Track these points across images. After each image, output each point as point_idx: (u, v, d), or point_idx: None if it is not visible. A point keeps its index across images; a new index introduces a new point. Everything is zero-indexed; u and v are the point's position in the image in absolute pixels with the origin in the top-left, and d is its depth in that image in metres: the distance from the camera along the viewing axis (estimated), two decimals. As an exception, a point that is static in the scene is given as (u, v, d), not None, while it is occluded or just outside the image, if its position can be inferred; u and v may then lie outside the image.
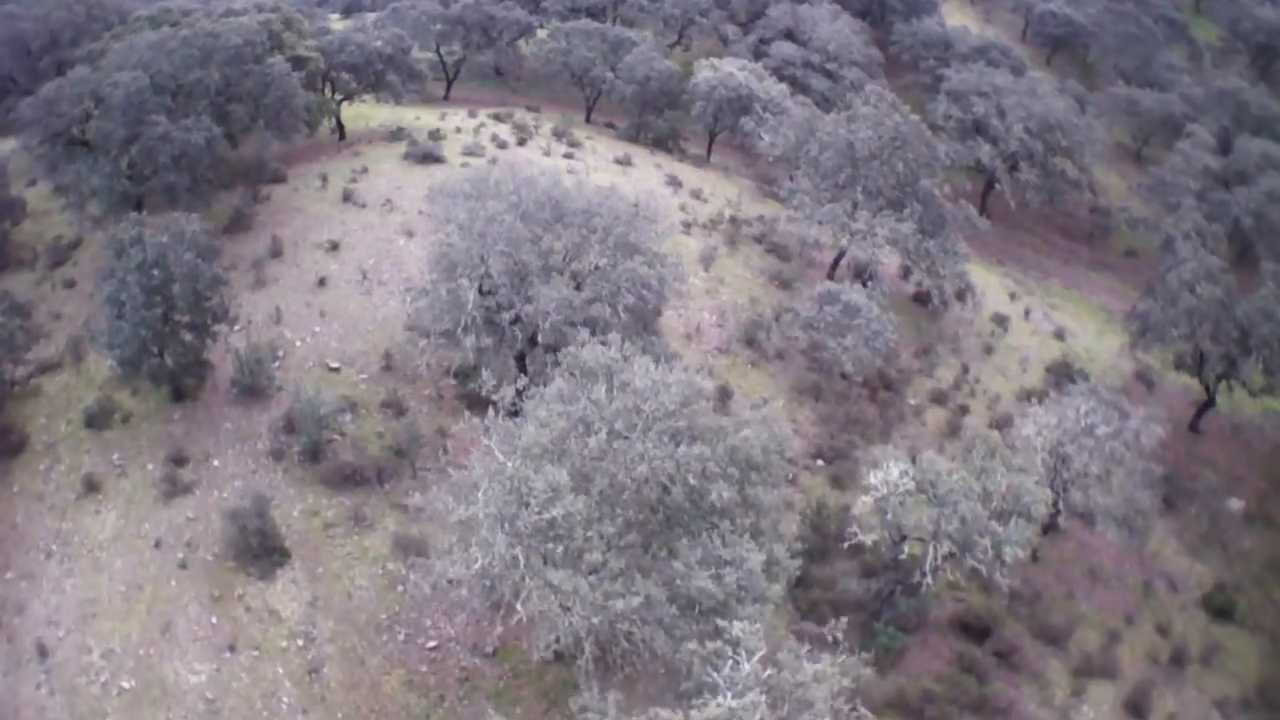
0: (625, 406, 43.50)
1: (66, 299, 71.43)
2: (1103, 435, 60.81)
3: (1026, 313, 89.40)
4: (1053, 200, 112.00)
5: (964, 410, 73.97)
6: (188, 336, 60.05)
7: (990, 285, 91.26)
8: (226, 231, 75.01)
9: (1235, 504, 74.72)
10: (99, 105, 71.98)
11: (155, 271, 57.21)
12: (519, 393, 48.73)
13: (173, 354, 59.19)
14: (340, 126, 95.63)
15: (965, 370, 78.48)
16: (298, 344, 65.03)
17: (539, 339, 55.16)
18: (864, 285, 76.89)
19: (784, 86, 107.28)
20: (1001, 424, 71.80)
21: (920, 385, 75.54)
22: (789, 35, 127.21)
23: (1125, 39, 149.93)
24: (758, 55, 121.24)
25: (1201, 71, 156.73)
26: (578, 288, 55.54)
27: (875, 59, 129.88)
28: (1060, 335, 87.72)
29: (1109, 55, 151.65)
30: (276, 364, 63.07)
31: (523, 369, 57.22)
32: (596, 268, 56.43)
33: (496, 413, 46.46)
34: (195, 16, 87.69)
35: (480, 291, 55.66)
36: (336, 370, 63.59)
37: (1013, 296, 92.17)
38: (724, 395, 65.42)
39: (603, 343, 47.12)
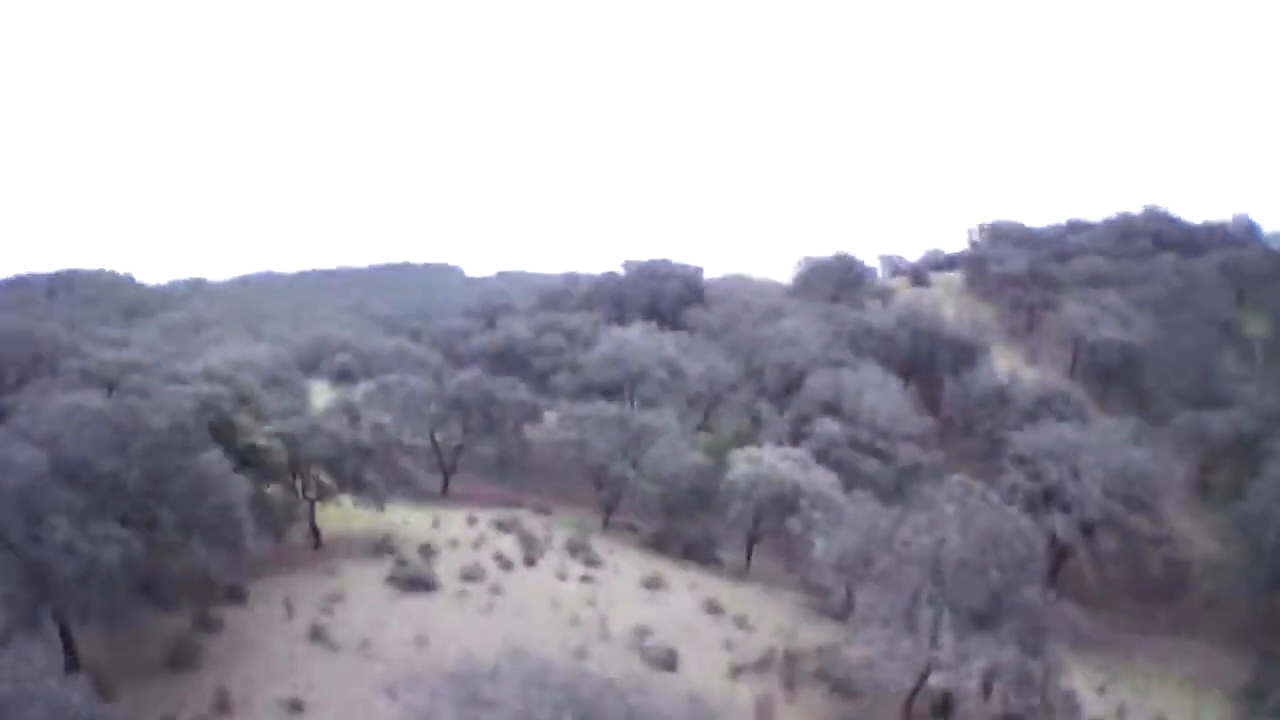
0: None
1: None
2: None
3: (1120, 710, 77.78)
4: (1133, 564, 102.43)
5: None
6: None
7: (1075, 681, 78.09)
8: (168, 666, 62.02)
9: None
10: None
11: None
12: None
13: None
14: (315, 532, 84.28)
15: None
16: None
17: None
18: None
19: (834, 477, 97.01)
20: None
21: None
22: (830, 408, 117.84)
23: (1181, 355, 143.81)
24: (797, 436, 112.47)
25: (1255, 372, 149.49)
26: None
27: (930, 428, 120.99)
28: (1156, 724, 74.71)
29: (1166, 378, 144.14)
30: None
31: None
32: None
33: None
34: (140, 379, 76.59)
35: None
36: None
37: (1101, 690, 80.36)
38: None
39: None
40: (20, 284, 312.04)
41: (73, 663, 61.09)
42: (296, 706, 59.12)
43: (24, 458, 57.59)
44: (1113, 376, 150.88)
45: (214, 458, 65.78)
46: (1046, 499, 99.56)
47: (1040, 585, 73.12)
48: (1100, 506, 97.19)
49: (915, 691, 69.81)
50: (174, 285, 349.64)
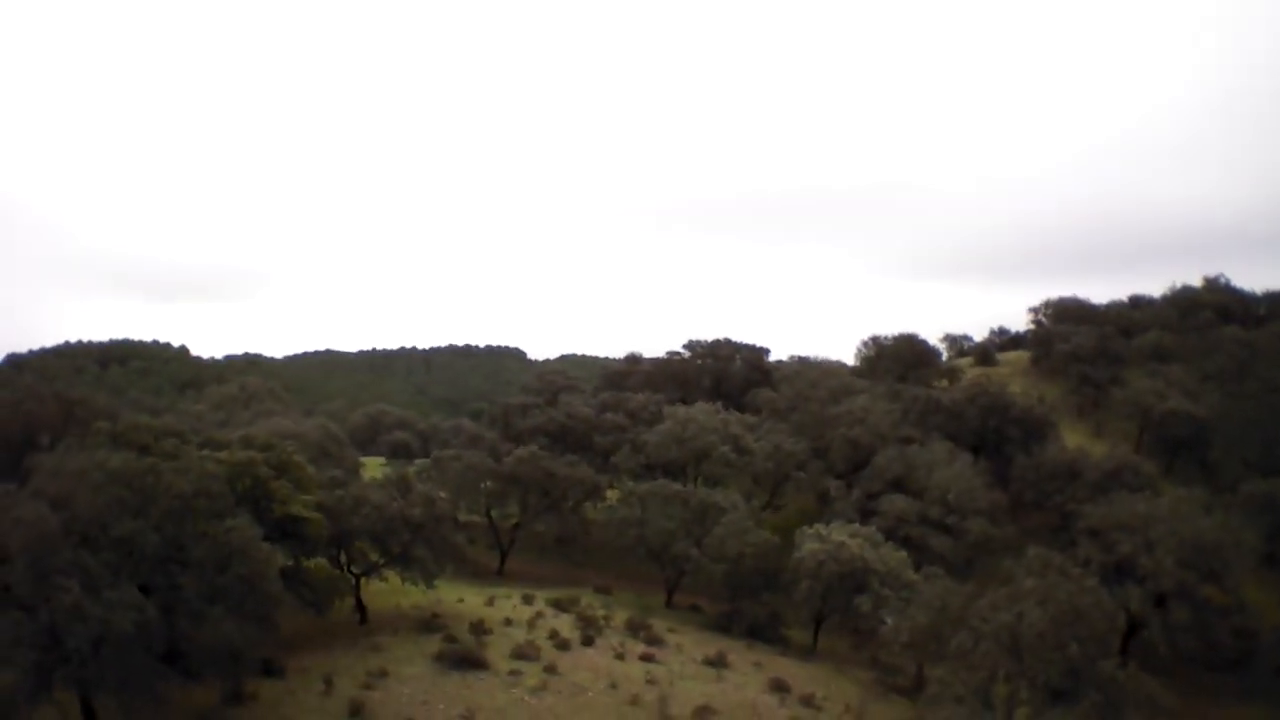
0: None
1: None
2: None
3: None
4: (1203, 635, 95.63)
5: None
6: None
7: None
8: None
9: None
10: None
11: None
12: None
13: None
14: (361, 607, 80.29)
15: None
16: None
17: None
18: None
19: (904, 554, 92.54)
20: None
21: None
22: (898, 485, 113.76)
23: (1247, 425, 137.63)
24: (865, 513, 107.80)
25: None
26: None
27: (999, 504, 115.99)
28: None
29: (1233, 448, 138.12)
30: None
31: None
32: None
33: None
34: (173, 444, 72.29)
35: None
36: None
37: None
38: None
39: None
40: (70, 352, 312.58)
41: (93, 733, 57.40)
42: (330, 795, 54.60)
43: (33, 515, 53.86)
44: (1179, 448, 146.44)
45: (241, 525, 61.44)
46: (1119, 571, 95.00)
47: (1118, 658, 67.99)
48: (1174, 578, 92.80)
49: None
50: (230, 360, 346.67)
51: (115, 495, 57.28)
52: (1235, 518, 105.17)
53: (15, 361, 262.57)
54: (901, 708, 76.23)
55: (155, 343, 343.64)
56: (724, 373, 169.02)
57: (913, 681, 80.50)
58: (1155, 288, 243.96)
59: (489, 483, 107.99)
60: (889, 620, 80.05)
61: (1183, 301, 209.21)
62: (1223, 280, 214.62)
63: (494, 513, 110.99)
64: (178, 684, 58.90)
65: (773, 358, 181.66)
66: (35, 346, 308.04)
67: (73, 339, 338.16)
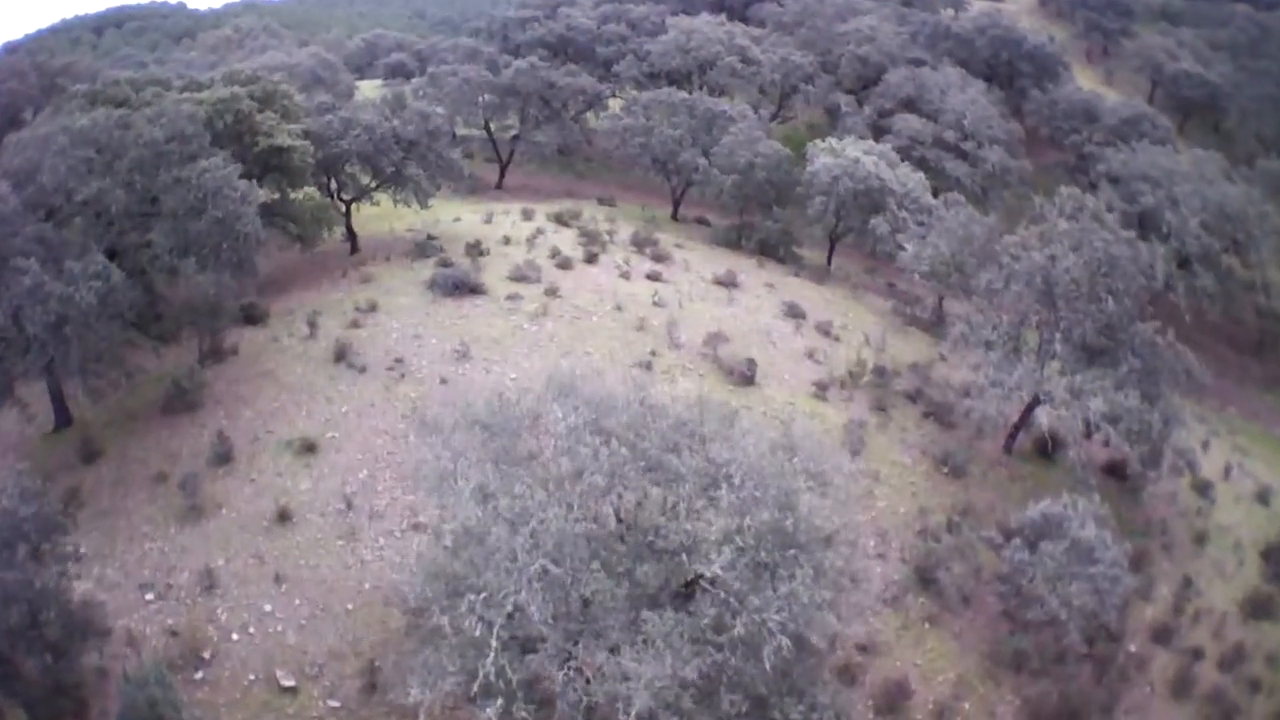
0: None
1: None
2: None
3: (1226, 470, 64.61)
4: (1228, 308, 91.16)
5: (1197, 655, 47.71)
6: (30, 658, 34.50)
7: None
8: (166, 411, 50.55)
9: None
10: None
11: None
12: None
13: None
14: (352, 235, 72.59)
15: (1187, 583, 52.15)
16: (234, 636, 38.86)
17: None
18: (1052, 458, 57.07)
19: (921, 176, 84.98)
20: (1233, 660, 47.68)
21: (1138, 616, 49.10)
22: (910, 105, 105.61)
23: (1263, 101, 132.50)
24: (877, 131, 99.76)
25: None
26: (686, 609, 30.16)
27: (1016, 135, 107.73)
28: (1263, 497, 62.95)
29: (1247, 120, 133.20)
30: (200, 675, 37.33)
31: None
32: (716, 581, 29.75)
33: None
34: (153, 93, 62.92)
35: (508, 617, 29.75)
36: (291, 691, 37.34)
37: (1205, 445, 66.39)
38: (897, 695, 40.69)
39: None
40: (67, 28, 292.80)
41: (64, 420, 51.54)
42: (309, 448, 47.31)
43: (-13, 193, 45.53)
44: (1192, 111, 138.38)
45: (214, 164, 52.50)
46: (1141, 225, 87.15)
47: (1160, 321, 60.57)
48: (1198, 240, 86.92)
49: (1018, 427, 58.47)
50: (228, 8, 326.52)
51: (81, 157, 49.02)
52: (1256, 191, 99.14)
53: (10, 47, 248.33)
54: (922, 343, 69.58)
55: (151, 3, 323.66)
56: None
57: (932, 314, 73.97)
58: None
59: (487, 95, 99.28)
60: (908, 246, 72.49)
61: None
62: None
63: (492, 125, 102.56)
64: (150, 350, 52.24)
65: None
66: (32, 30, 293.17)
67: (70, 16, 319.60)
